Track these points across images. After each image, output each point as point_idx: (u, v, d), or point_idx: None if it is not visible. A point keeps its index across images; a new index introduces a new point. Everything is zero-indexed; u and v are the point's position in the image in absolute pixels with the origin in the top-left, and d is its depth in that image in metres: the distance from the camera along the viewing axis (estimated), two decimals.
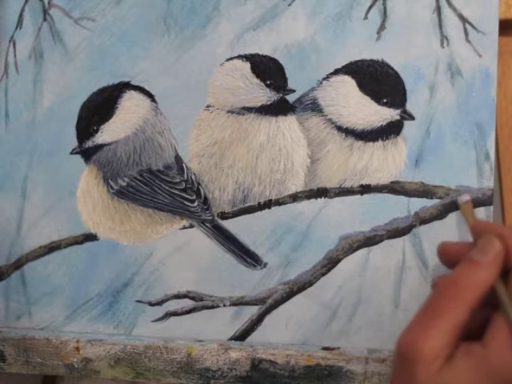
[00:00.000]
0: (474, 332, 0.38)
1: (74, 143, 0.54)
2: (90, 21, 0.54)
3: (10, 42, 0.55)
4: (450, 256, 0.41)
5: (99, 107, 0.53)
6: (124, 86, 0.53)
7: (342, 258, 0.50)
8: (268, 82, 0.51)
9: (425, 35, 0.50)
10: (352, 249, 0.50)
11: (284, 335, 0.51)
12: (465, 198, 0.48)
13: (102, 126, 0.53)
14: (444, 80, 0.50)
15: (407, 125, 0.50)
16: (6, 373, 0.54)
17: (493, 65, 0.49)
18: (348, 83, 0.51)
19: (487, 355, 0.36)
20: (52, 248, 0.54)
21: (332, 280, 0.50)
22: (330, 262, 0.50)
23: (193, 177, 0.52)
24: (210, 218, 0.52)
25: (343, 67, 0.51)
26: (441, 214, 0.49)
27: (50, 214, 0.54)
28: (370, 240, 0.50)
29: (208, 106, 0.52)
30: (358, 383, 0.49)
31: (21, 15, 0.55)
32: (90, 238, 0.53)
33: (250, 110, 0.51)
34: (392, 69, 0.50)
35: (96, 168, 0.53)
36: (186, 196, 0.52)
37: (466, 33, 0.49)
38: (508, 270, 0.38)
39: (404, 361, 0.37)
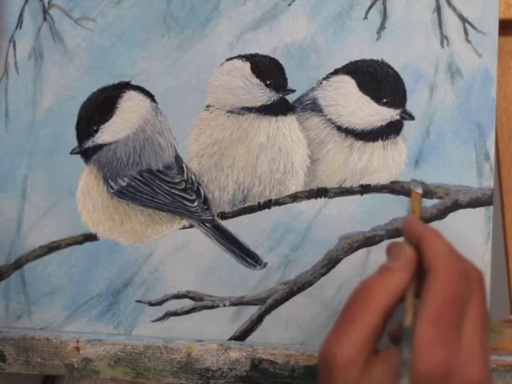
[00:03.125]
0: None
1: (74, 143, 0.54)
2: (90, 21, 0.54)
3: (9, 42, 0.55)
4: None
5: (99, 107, 0.53)
6: (124, 86, 0.53)
7: (341, 258, 0.50)
8: (268, 82, 0.51)
9: (425, 35, 0.50)
10: (352, 249, 0.50)
11: (284, 335, 0.51)
12: (418, 188, 0.48)
13: (102, 126, 0.53)
14: (444, 80, 0.50)
15: (407, 125, 0.50)
16: (6, 373, 0.54)
17: (493, 65, 0.49)
18: (348, 83, 0.51)
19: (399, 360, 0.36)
20: (52, 248, 0.54)
21: (332, 280, 0.50)
22: (330, 262, 0.50)
23: (193, 177, 0.52)
24: (210, 218, 0.52)
25: (343, 67, 0.51)
26: (441, 214, 0.49)
27: (49, 214, 0.54)
28: (370, 240, 0.50)
29: (208, 106, 0.52)
30: None
31: (21, 15, 0.55)
32: (90, 238, 0.53)
33: (249, 110, 0.51)
34: (392, 69, 0.50)
35: (96, 168, 0.53)
36: (186, 196, 0.52)
37: (466, 33, 0.49)
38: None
39: (324, 369, 0.37)
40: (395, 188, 0.50)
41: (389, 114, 0.50)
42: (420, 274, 0.39)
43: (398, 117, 0.50)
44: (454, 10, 0.50)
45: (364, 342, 0.36)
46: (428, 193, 0.49)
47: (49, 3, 0.55)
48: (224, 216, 0.52)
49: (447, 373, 0.35)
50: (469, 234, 0.49)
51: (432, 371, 0.34)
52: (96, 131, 0.53)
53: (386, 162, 0.50)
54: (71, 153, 0.54)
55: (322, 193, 0.51)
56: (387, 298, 0.37)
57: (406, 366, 0.35)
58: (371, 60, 0.50)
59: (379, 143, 0.51)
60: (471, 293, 0.37)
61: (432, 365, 0.34)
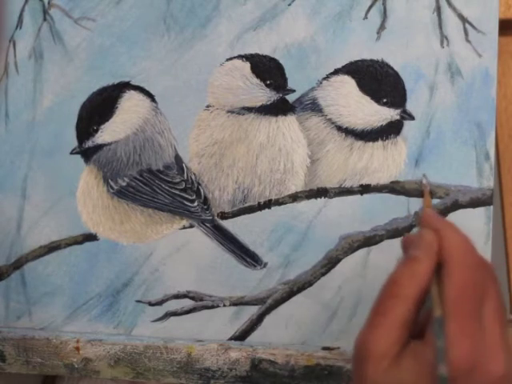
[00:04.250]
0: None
1: (74, 143, 0.54)
2: (90, 21, 0.54)
3: (10, 42, 0.55)
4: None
5: (99, 107, 0.53)
6: (124, 86, 0.53)
7: (341, 258, 0.50)
8: (268, 82, 0.51)
9: (425, 35, 0.50)
10: (352, 249, 0.50)
11: (284, 335, 0.51)
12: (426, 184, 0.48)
13: (102, 126, 0.53)
14: (444, 80, 0.50)
15: (407, 125, 0.50)
16: (6, 373, 0.54)
17: (493, 65, 0.49)
18: (348, 83, 0.50)
19: (427, 352, 0.36)
20: (52, 248, 0.54)
21: (332, 280, 0.50)
22: (330, 262, 0.50)
23: (193, 177, 0.52)
24: (210, 217, 0.52)
25: (343, 67, 0.51)
26: (441, 213, 0.49)
27: (49, 214, 0.54)
28: (370, 240, 0.50)
29: (208, 106, 0.52)
30: None
31: (21, 15, 0.55)
32: (90, 238, 0.53)
33: (249, 109, 0.51)
34: (392, 69, 0.50)
35: (96, 168, 0.53)
36: (186, 196, 0.52)
37: (466, 33, 0.49)
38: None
39: (357, 360, 0.37)
40: (395, 188, 0.50)
41: (389, 114, 0.50)
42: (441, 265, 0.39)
43: (398, 117, 0.50)
44: (454, 9, 0.50)
45: (396, 333, 0.37)
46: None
47: (49, 3, 0.55)
48: (224, 216, 0.52)
49: (472, 366, 0.35)
50: (469, 234, 0.49)
51: (461, 362, 0.34)
52: (96, 131, 0.53)
53: (386, 162, 0.50)
54: (71, 153, 0.54)
55: (322, 193, 0.51)
56: (416, 287, 0.37)
57: (441, 354, 0.35)
58: (371, 60, 0.50)
59: (379, 143, 0.50)
60: (488, 285, 0.37)
61: (460, 356, 0.34)
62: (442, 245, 0.38)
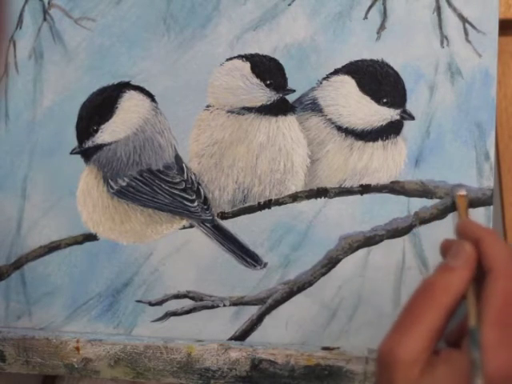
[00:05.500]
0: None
1: (74, 143, 0.54)
2: (90, 21, 0.54)
3: (10, 42, 0.55)
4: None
5: (99, 107, 0.53)
6: (124, 86, 0.53)
7: (341, 258, 0.50)
8: (268, 82, 0.51)
9: (425, 35, 0.50)
10: (352, 249, 0.50)
11: (284, 335, 0.51)
12: (462, 191, 0.48)
13: (102, 126, 0.53)
14: (444, 80, 0.50)
15: (407, 125, 0.50)
16: (6, 373, 0.54)
17: (493, 65, 0.49)
18: (348, 83, 0.51)
19: (464, 362, 0.36)
20: (52, 248, 0.54)
21: (332, 280, 0.50)
22: (330, 262, 0.50)
23: (193, 177, 0.52)
24: (210, 217, 0.52)
25: (343, 67, 0.51)
26: (441, 213, 0.49)
27: (49, 214, 0.54)
28: (370, 240, 0.50)
29: (208, 106, 0.52)
30: (358, 383, 0.49)
31: (21, 15, 0.55)
32: (90, 238, 0.53)
33: (249, 109, 0.51)
34: (392, 69, 0.50)
35: (96, 168, 0.53)
36: (186, 196, 0.52)
37: (466, 33, 0.49)
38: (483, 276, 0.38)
39: (383, 367, 0.37)
40: (395, 188, 0.50)
41: (389, 114, 0.50)
42: (477, 274, 0.38)
43: (398, 117, 0.50)
44: (454, 10, 0.50)
45: (427, 341, 0.36)
46: (428, 193, 0.49)
47: (49, 3, 0.55)
48: (224, 216, 0.52)
49: (509, 376, 0.34)
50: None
51: (498, 373, 0.34)
52: (96, 131, 0.53)
53: (386, 161, 0.50)
54: (71, 153, 0.54)
55: (322, 193, 0.51)
56: (450, 297, 0.37)
57: (477, 366, 0.35)
58: (371, 60, 0.50)
59: (379, 143, 0.51)
60: None
61: (497, 366, 0.34)
62: (485, 254, 0.38)
